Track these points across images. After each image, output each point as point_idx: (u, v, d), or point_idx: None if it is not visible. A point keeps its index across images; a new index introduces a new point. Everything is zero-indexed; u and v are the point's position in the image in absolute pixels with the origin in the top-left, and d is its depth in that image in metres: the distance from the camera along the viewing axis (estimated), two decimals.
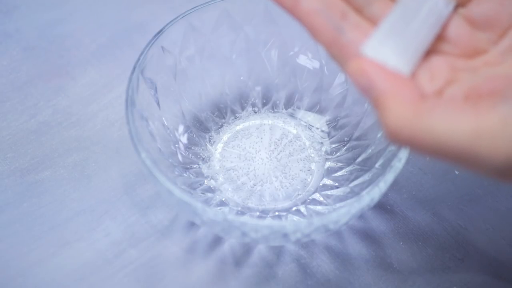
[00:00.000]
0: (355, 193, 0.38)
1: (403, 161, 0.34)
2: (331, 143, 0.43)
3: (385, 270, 0.38)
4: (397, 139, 0.25)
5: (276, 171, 0.42)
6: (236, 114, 0.45)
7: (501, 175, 0.24)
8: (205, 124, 0.44)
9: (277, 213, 0.40)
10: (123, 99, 0.44)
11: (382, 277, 0.38)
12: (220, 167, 0.42)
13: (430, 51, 0.28)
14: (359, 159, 0.41)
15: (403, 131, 0.24)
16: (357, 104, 0.43)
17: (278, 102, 0.45)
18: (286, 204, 0.41)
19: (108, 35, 0.50)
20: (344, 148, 0.43)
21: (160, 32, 0.38)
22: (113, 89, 0.47)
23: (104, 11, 0.51)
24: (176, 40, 0.40)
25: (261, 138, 0.43)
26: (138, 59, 0.37)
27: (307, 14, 0.27)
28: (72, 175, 0.42)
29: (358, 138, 0.42)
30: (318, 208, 0.40)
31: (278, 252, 0.39)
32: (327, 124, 0.44)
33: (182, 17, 0.39)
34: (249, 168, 0.42)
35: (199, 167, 0.42)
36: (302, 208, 0.40)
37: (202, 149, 0.43)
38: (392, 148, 0.37)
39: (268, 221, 0.32)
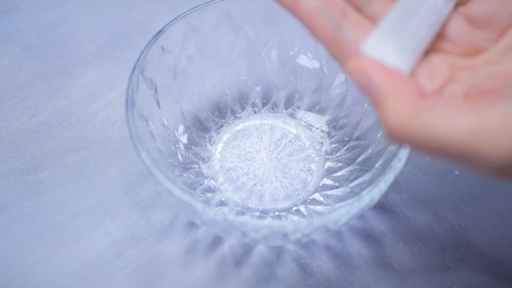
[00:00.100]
0: (355, 193, 0.38)
1: (403, 161, 0.34)
2: (331, 143, 0.43)
3: (385, 270, 0.38)
4: (397, 138, 0.25)
5: (276, 171, 0.42)
6: (236, 114, 0.45)
7: (500, 173, 0.24)
8: (205, 124, 0.44)
9: (277, 213, 0.40)
10: (123, 99, 0.44)
11: (382, 277, 0.38)
12: (220, 167, 0.42)
13: (430, 50, 0.28)
14: (359, 159, 0.41)
15: (403, 129, 0.24)
16: (357, 104, 0.43)
17: (278, 102, 0.45)
18: (286, 204, 0.41)
19: (108, 35, 0.50)
20: (344, 148, 0.43)
21: (160, 32, 0.38)
22: (113, 89, 0.47)
23: (104, 11, 0.51)
24: (176, 40, 0.40)
25: (261, 138, 0.43)
26: (138, 59, 0.37)
27: (307, 12, 0.27)
28: (72, 175, 0.42)
29: (358, 138, 0.42)
30: (318, 208, 0.40)
31: (278, 252, 0.39)
32: (327, 124, 0.44)
33: (182, 17, 0.39)
34: (249, 168, 0.42)
35: (199, 167, 0.42)
36: (302, 208, 0.40)
37: (202, 149, 0.43)
38: (392, 148, 0.37)
39: (268, 221, 0.32)
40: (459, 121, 0.24)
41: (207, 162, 0.42)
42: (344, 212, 0.32)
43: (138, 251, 0.39)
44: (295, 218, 0.39)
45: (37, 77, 0.47)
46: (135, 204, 0.41)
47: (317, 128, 0.44)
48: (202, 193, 0.40)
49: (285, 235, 0.33)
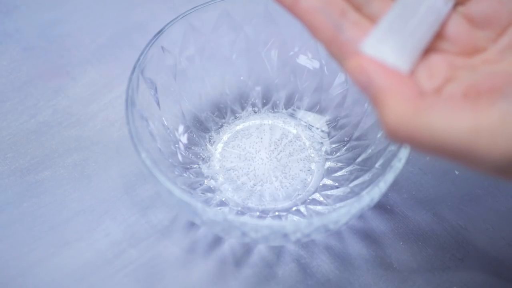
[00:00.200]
0: (355, 193, 0.38)
1: (403, 161, 0.34)
2: (331, 143, 0.43)
3: (385, 270, 0.38)
4: (396, 137, 0.25)
5: (276, 171, 0.42)
6: (236, 114, 0.45)
7: (500, 172, 0.24)
8: (205, 124, 0.44)
9: (277, 213, 0.40)
10: (123, 99, 0.44)
11: (382, 277, 0.38)
12: (220, 167, 0.42)
13: (429, 49, 0.28)
14: (359, 159, 0.41)
15: (402, 128, 0.24)
16: (357, 104, 0.43)
17: (278, 102, 0.45)
18: (286, 204, 0.41)
19: (108, 35, 0.50)
20: (344, 148, 0.43)
21: (160, 32, 0.38)
22: (113, 89, 0.47)
23: (104, 11, 0.51)
24: (176, 40, 0.40)
25: (261, 138, 0.43)
26: (138, 59, 0.37)
27: (307, 12, 0.27)
28: (72, 175, 0.42)
29: (358, 138, 0.42)
30: (318, 208, 0.40)
31: (278, 252, 0.39)
32: (327, 124, 0.44)
33: (182, 17, 0.39)
34: (249, 168, 0.42)
35: (199, 167, 0.42)
36: (302, 208, 0.40)
37: (202, 149, 0.43)
38: (392, 148, 0.37)
39: (268, 221, 0.32)
40: (458, 120, 0.24)
41: (207, 162, 0.42)
42: (344, 212, 0.32)
43: (138, 251, 0.39)
44: (295, 218, 0.39)
45: (37, 77, 0.47)
46: (135, 204, 0.41)
47: (317, 128, 0.44)
48: (202, 193, 0.40)
49: (285, 235, 0.33)
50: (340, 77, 0.43)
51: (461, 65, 0.27)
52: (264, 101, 0.45)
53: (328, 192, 0.41)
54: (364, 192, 0.37)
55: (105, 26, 0.50)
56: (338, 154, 0.43)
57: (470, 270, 0.38)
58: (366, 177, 0.39)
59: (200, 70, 0.43)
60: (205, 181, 0.41)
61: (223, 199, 0.40)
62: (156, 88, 0.40)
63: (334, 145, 0.43)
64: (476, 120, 0.23)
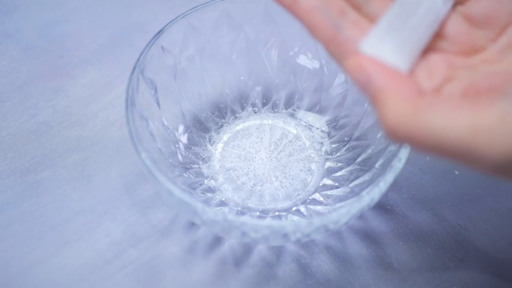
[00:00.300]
0: (355, 193, 0.38)
1: (403, 161, 0.34)
2: (331, 143, 0.43)
3: (385, 270, 0.38)
4: (396, 136, 0.25)
5: (276, 171, 0.42)
6: (236, 114, 0.45)
7: (499, 171, 0.24)
8: (205, 124, 0.44)
9: (277, 213, 0.40)
10: (123, 99, 0.44)
11: (382, 277, 0.38)
12: (220, 167, 0.42)
13: (428, 49, 0.28)
14: (359, 159, 0.41)
15: (402, 127, 0.24)
16: (357, 104, 0.43)
17: (278, 102, 0.45)
18: (286, 204, 0.41)
19: (108, 35, 0.50)
20: (344, 148, 0.43)
21: (160, 32, 0.38)
22: (113, 89, 0.47)
23: (104, 11, 0.51)
24: (176, 40, 0.40)
25: (261, 138, 0.43)
26: (138, 59, 0.37)
27: (306, 11, 0.27)
28: (72, 175, 0.42)
29: (358, 138, 0.42)
30: (318, 208, 0.40)
31: (278, 252, 0.39)
32: (327, 124, 0.44)
33: (182, 17, 0.39)
34: (249, 168, 0.42)
35: (199, 167, 0.42)
36: (302, 208, 0.40)
37: (202, 149, 0.43)
38: (392, 148, 0.37)
39: (268, 221, 0.32)
40: (457, 120, 0.24)
41: (207, 162, 0.42)
42: (344, 212, 0.32)
43: (138, 251, 0.39)
44: (295, 218, 0.39)
45: (37, 77, 0.47)
46: (135, 204, 0.41)
47: (317, 128, 0.44)
48: (202, 193, 0.40)
49: (285, 235, 0.33)
50: (340, 77, 0.43)
51: (460, 65, 0.27)
52: (264, 101, 0.45)
53: (328, 192, 0.41)
54: (364, 192, 0.37)
55: (105, 26, 0.50)
56: (338, 154, 0.43)
57: (470, 270, 0.38)
58: (366, 177, 0.39)
59: (200, 70, 0.43)
60: (205, 181, 0.41)
61: (223, 199, 0.40)
62: (156, 88, 0.40)
63: (334, 145, 0.43)
64: (475, 119, 0.23)
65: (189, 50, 0.42)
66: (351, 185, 0.40)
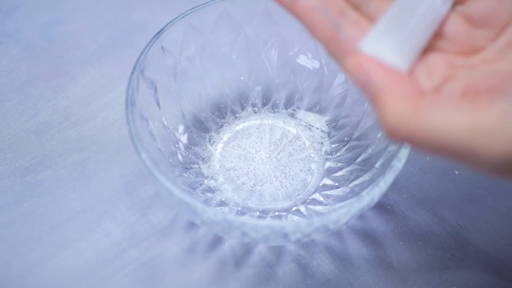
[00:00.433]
0: (355, 193, 0.38)
1: (403, 161, 0.34)
2: (331, 143, 0.43)
3: (385, 270, 0.38)
4: (395, 136, 0.25)
5: (276, 171, 0.42)
6: (236, 114, 0.45)
7: (499, 171, 0.24)
8: (205, 124, 0.44)
9: (277, 213, 0.40)
10: (123, 99, 0.44)
11: (382, 277, 0.38)
12: (220, 167, 0.42)
13: (428, 49, 0.28)
14: (359, 159, 0.41)
15: (401, 127, 0.24)
16: (357, 104, 0.43)
17: (278, 102, 0.45)
18: (286, 204, 0.41)
19: (108, 35, 0.50)
20: (344, 148, 0.43)
21: (160, 32, 0.38)
22: (113, 89, 0.47)
23: (104, 11, 0.51)
24: (176, 40, 0.40)
25: (261, 138, 0.43)
26: (138, 59, 0.37)
27: (306, 11, 0.27)
28: (72, 175, 0.42)
29: (358, 138, 0.42)
30: (318, 208, 0.40)
31: (278, 252, 0.39)
32: (327, 124, 0.44)
33: (182, 17, 0.39)
34: (249, 168, 0.42)
35: (199, 167, 0.42)
36: (302, 208, 0.40)
37: (202, 149, 0.43)
38: (392, 148, 0.37)
39: (268, 221, 0.32)
40: (457, 119, 0.24)
41: (207, 162, 0.42)
42: (344, 212, 0.32)
43: (138, 251, 0.39)
44: (295, 218, 0.39)
45: (37, 77, 0.47)
46: (135, 204, 0.41)
47: (317, 128, 0.44)
48: (202, 193, 0.40)
49: (285, 235, 0.33)
50: (340, 77, 0.43)
51: (460, 64, 0.27)
52: (264, 101, 0.45)
53: (328, 192, 0.41)
54: (364, 192, 0.37)
55: (105, 26, 0.50)
56: (338, 154, 0.43)
57: (470, 270, 0.38)
58: (366, 177, 0.39)
59: (200, 70, 0.43)
60: (205, 181, 0.41)
61: (223, 199, 0.40)
62: (156, 88, 0.40)
63: (334, 145, 0.43)
64: (475, 119, 0.23)
65: (189, 50, 0.42)
66: (351, 185, 0.40)
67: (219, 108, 0.45)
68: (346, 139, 0.43)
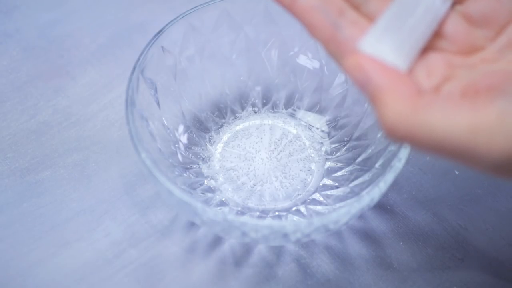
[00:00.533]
0: (355, 193, 0.38)
1: (403, 161, 0.34)
2: (331, 143, 0.43)
3: (385, 270, 0.38)
4: (395, 135, 0.25)
5: (276, 171, 0.42)
6: (236, 114, 0.45)
7: (498, 171, 0.24)
8: (205, 124, 0.44)
9: (277, 213, 0.40)
10: (123, 99, 0.44)
11: (382, 277, 0.38)
12: (220, 167, 0.42)
13: (427, 48, 0.28)
14: (359, 159, 0.41)
15: (401, 126, 0.24)
16: (357, 104, 0.43)
17: (278, 102, 0.45)
18: (286, 204, 0.41)
19: (108, 35, 0.50)
20: (344, 148, 0.43)
21: (160, 32, 0.38)
22: (113, 89, 0.47)
23: (104, 11, 0.51)
24: (176, 40, 0.40)
25: (261, 138, 0.43)
26: (138, 59, 0.37)
27: (305, 10, 0.27)
28: (72, 175, 0.42)
29: (358, 138, 0.42)
30: (318, 208, 0.40)
31: (278, 252, 0.39)
32: (327, 124, 0.44)
33: (182, 17, 0.39)
34: (249, 168, 0.42)
35: (199, 167, 0.42)
36: (302, 208, 0.40)
37: (202, 149, 0.43)
38: (392, 148, 0.37)
39: (268, 221, 0.32)
40: (456, 119, 0.24)
41: (207, 162, 0.42)
42: (344, 212, 0.32)
43: (138, 251, 0.39)
44: (295, 218, 0.39)
45: (37, 77, 0.47)
46: (135, 204, 0.41)
47: (317, 128, 0.44)
48: (202, 193, 0.40)
49: (285, 235, 0.33)
50: (340, 77, 0.43)
51: (459, 64, 0.27)
52: (264, 101, 0.45)
53: (328, 192, 0.41)
54: (364, 192, 0.37)
55: (105, 26, 0.50)
56: (338, 154, 0.43)
57: (470, 270, 0.38)
58: (366, 177, 0.39)
59: (200, 70, 0.43)
60: (205, 181, 0.41)
61: (223, 199, 0.40)
62: (156, 88, 0.40)
63: (334, 145, 0.43)
64: (475, 118, 0.23)
65: (189, 50, 0.42)
66: (351, 185, 0.40)
67: (219, 108, 0.45)
68: (346, 139, 0.43)
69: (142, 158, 0.33)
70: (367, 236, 0.40)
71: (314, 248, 0.39)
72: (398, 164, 0.34)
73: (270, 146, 0.43)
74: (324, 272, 0.38)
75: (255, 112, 0.45)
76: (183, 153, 0.42)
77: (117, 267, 0.38)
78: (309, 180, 0.42)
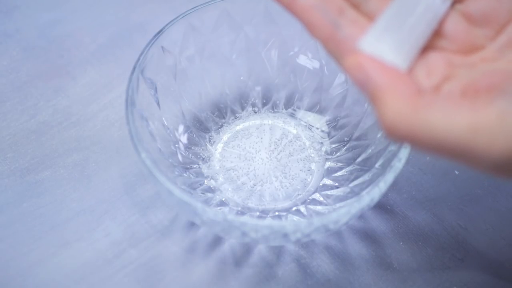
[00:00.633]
0: (355, 193, 0.38)
1: (403, 161, 0.34)
2: (331, 143, 0.43)
3: (385, 270, 0.38)
4: (395, 135, 0.25)
5: (276, 171, 0.42)
6: (236, 114, 0.45)
7: (498, 170, 0.24)
8: (205, 124, 0.44)
9: (277, 213, 0.40)
10: (123, 99, 0.44)
11: (382, 277, 0.38)
12: (220, 167, 0.42)
13: (427, 47, 0.28)
14: (359, 159, 0.41)
15: (401, 126, 0.24)
16: (357, 104, 0.43)
17: (278, 102, 0.45)
18: (286, 204, 0.41)
19: (108, 35, 0.50)
20: (344, 148, 0.43)
21: (160, 32, 0.38)
22: (113, 89, 0.47)
23: (104, 11, 0.51)
24: (176, 40, 0.40)
25: (261, 138, 0.43)
26: (138, 59, 0.37)
27: (304, 10, 0.27)
28: (72, 175, 0.42)
29: (358, 138, 0.42)
30: (318, 208, 0.40)
31: (278, 252, 0.39)
32: (327, 124, 0.44)
33: (182, 17, 0.39)
34: (249, 168, 0.42)
35: (199, 167, 0.42)
36: (302, 208, 0.40)
37: (202, 149, 0.43)
38: (392, 148, 0.37)
39: (268, 221, 0.32)
40: (456, 119, 0.24)
41: (207, 162, 0.42)
42: (344, 212, 0.32)
43: (138, 251, 0.39)
44: (295, 218, 0.39)
45: (37, 77, 0.47)
46: (135, 204, 0.41)
47: (317, 128, 0.44)
48: (202, 193, 0.40)
49: (285, 235, 0.33)
50: (340, 77, 0.43)
51: (459, 63, 0.27)
52: (264, 101, 0.45)
53: (328, 192, 0.41)
54: (364, 192, 0.37)
55: (105, 26, 0.50)
56: (338, 154, 0.43)
57: (470, 270, 0.38)
58: (366, 177, 0.39)
59: (200, 70, 0.43)
60: (205, 181, 0.41)
61: (223, 199, 0.40)
62: (156, 88, 0.40)
63: (334, 145, 0.43)
64: (475, 118, 0.23)
65: (189, 50, 0.42)
66: (351, 185, 0.40)
67: (219, 108, 0.45)
68: (346, 139, 0.43)
69: (142, 158, 0.33)
70: (367, 236, 0.40)
71: (314, 248, 0.39)
72: (398, 164, 0.34)
73: (270, 146, 0.43)
74: (324, 272, 0.38)
75: (255, 112, 0.45)
76: (183, 153, 0.42)
77: (117, 267, 0.38)
78: (309, 180, 0.42)
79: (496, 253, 0.39)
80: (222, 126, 0.44)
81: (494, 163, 0.23)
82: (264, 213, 0.40)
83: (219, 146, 0.43)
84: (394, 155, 0.35)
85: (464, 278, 0.38)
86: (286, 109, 0.45)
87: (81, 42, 0.49)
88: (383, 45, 0.27)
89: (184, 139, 0.42)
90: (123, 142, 0.44)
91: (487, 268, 0.38)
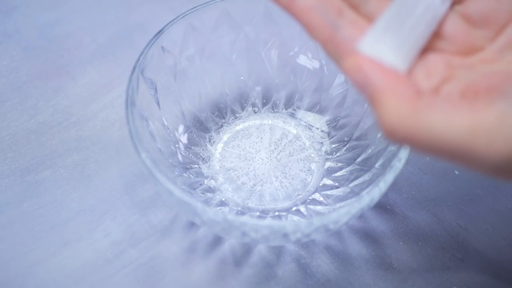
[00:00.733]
0: (355, 193, 0.38)
1: (403, 161, 0.34)
2: (331, 143, 0.43)
3: (385, 270, 0.38)
4: (394, 136, 0.25)
5: (276, 171, 0.42)
6: (236, 114, 0.45)
7: (498, 172, 0.24)
8: (205, 124, 0.44)
9: (277, 213, 0.40)
10: (123, 99, 0.44)
11: (382, 277, 0.38)
12: (220, 167, 0.42)
13: (427, 49, 0.28)
14: (359, 159, 0.41)
15: (400, 128, 0.24)
16: (357, 104, 0.43)
17: (278, 102, 0.45)
18: (286, 204, 0.41)
19: (108, 35, 0.50)
20: (344, 148, 0.43)
21: (160, 32, 0.38)
22: (113, 89, 0.47)
23: (104, 11, 0.51)
24: (176, 40, 0.40)
25: (261, 138, 0.43)
26: (138, 59, 0.37)
27: (303, 11, 0.27)
28: (72, 175, 0.42)
29: (358, 138, 0.42)
30: (318, 208, 0.40)
31: (278, 252, 0.39)
32: (327, 124, 0.44)
33: (182, 17, 0.39)
34: (249, 168, 0.42)
35: (199, 167, 0.42)
36: (302, 208, 0.40)
37: (202, 149, 0.43)
38: (392, 148, 0.37)
39: (268, 221, 0.32)
40: (456, 120, 0.23)
41: (207, 162, 0.42)
42: (344, 212, 0.32)
43: (138, 251, 0.39)
44: (295, 218, 0.39)
45: (37, 77, 0.47)
46: (135, 204, 0.41)
47: (317, 128, 0.44)
48: (202, 193, 0.40)
49: (285, 235, 0.33)
50: (340, 77, 0.43)
51: (459, 65, 0.27)
52: (264, 101, 0.45)
53: (328, 192, 0.41)
54: (364, 192, 0.37)
55: (105, 26, 0.50)
56: (338, 154, 0.43)
57: (470, 270, 0.38)
58: (366, 177, 0.39)
59: (200, 70, 0.43)
60: (205, 181, 0.41)
61: (223, 199, 0.40)
62: (156, 88, 0.40)
63: (334, 145, 0.43)
64: (474, 120, 0.23)
65: (189, 50, 0.42)
66: (351, 185, 0.40)
67: (219, 108, 0.45)
68: (346, 139, 0.43)
69: (142, 158, 0.33)
70: (367, 236, 0.40)
71: (314, 248, 0.39)
72: (398, 164, 0.34)
73: (270, 146, 0.43)
74: (324, 272, 0.38)
75: (255, 112, 0.45)
76: (183, 153, 0.42)
77: (117, 267, 0.38)
78: (309, 180, 0.42)
79: (496, 253, 0.39)
80: (222, 126, 0.44)
81: (494, 165, 0.23)
82: (264, 213, 0.40)
83: (219, 146, 0.43)
84: (394, 155, 0.35)
85: (464, 278, 0.38)
86: (286, 109, 0.45)
87: (81, 42, 0.49)
88: (382, 47, 0.27)
89: (184, 139, 0.42)
90: (123, 142, 0.44)
91: (487, 268, 0.38)
